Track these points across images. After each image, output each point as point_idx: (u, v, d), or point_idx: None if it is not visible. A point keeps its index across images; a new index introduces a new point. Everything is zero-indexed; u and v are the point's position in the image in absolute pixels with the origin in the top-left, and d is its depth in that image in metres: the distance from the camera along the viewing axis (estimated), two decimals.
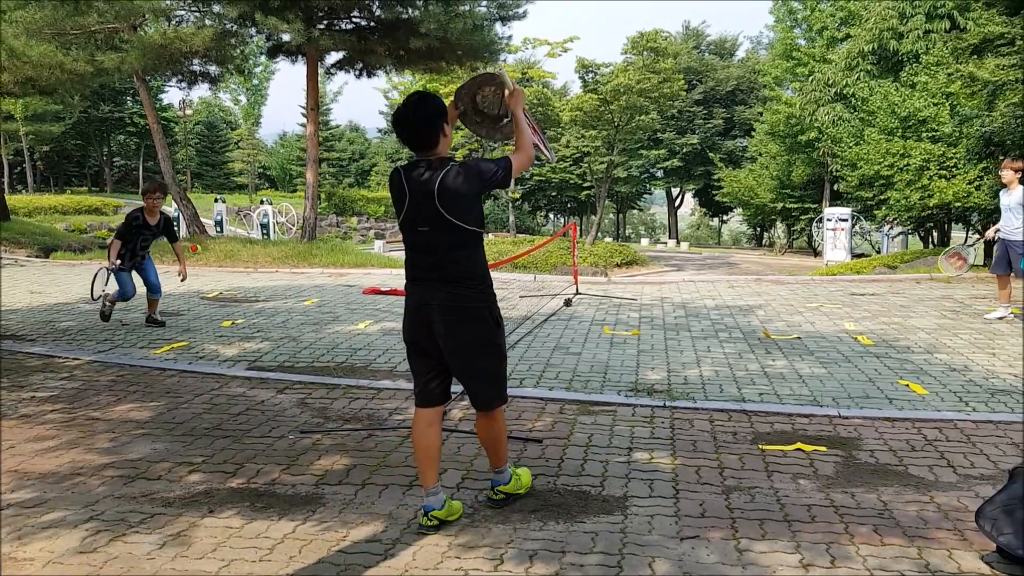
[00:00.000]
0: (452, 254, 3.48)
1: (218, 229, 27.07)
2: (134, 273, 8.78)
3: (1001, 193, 8.99)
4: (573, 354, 7.32)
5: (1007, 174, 8.79)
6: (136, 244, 8.65)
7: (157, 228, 8.69)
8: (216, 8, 17.63)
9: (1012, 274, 8.85)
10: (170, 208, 25.46)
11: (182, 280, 8.93)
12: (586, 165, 37.16)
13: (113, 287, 8.64)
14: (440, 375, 3.66)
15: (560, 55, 33.41)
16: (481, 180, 3.50)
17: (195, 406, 5.60)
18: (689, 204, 61.00)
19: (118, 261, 8.46)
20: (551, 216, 58.13)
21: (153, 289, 8.80)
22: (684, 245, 43.35)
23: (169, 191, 21.70)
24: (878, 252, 25.35)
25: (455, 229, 3.45)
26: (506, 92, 3.82)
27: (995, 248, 9.09)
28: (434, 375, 3.65)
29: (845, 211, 23.62)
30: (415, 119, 3.48)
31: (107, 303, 8.64)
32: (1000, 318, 8.85)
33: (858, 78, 23.86)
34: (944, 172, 16.97)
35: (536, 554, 3.33)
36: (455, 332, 3.51)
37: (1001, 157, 14.92)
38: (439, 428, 3.71)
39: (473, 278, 3.52)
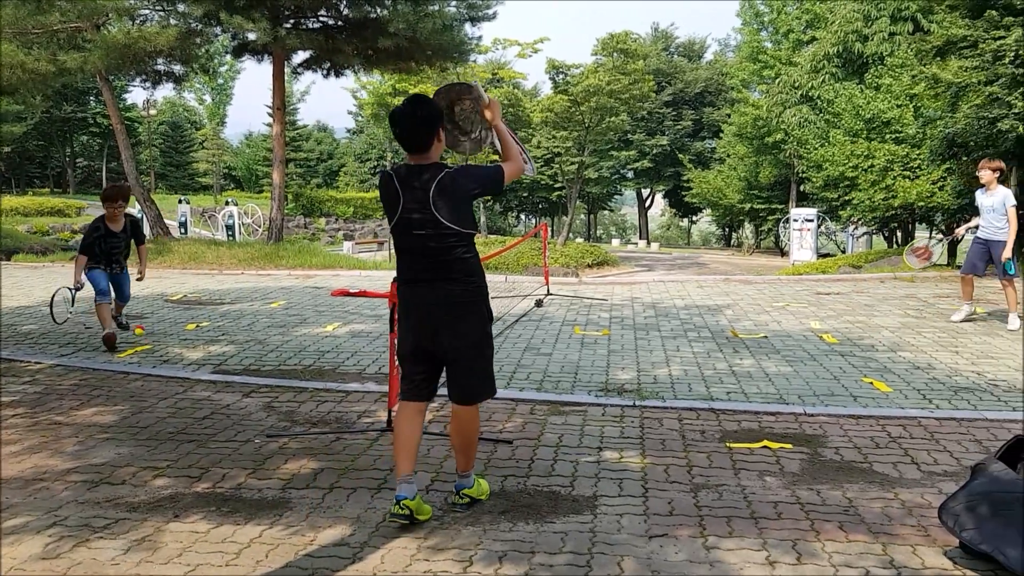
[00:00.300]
0: (449, 255, 3.59)
1: (182, 230, 26.74)
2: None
3: (979, 193, 8.84)
4: (544, 355, 7.32)
5: (985, 174, 8.63)
6: (109, 255, 7.96)
7: (125, 234, 8.08)
8: (181, 7, 17.41)
9: (985, 275, 8.74)
10: (134, 210, 25.10)
11: (138, 279, 8.40)
12: (557, 166, 37.24)
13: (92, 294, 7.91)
14: (433, 372, 3.78)
15: (531, 56, 33.48)
16: (473, 189, 3.65)
17: (159, 410, 5.52)
18: (659, 205, 61.41)
19: (83, 279, 7.81)
20: (523, 217, 58.19)
21: (123, 297, 8.29)
22: (654, 245, 43.61)
23: (132, 193, 21.42)
24: (843, 252, 25.68)
25: (451, 232, 3.55)
26: (483, 107, 3.89)
27: (969, 249, 8.92)
28: (428, 373, 3.76)
29: (811, 212, 23.91)
30: (412, 119, 3.57)
31: (107, 333, 7.66)
32: (966, 316, 8.81)
33: (823, 80, 24.18)
34: (908, 173, 17.24)
35: (505, 555, 3.32)
36: (456, 329, 3.63)
37: (964, 158, 15.18)
38: (422, 421, 3.82)
39: (470, 275, 3.65)
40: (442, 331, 3.63)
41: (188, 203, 29.36)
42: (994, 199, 8.57)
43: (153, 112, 46.47)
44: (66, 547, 3.40)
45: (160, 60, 18.60)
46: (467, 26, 19.08)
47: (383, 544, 3.43)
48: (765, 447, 4.68)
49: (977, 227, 8.87)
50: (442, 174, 3.54)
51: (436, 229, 3.54)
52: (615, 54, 26.93)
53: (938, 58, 14.58)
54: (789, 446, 4.69)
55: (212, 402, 5.74)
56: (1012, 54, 12.31)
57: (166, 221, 21.18)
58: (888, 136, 17.98)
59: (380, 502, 3.88)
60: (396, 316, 4.73)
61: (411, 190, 3.55)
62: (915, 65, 17.61)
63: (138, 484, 4.13)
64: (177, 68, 19.93)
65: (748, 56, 36.55)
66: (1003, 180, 8.68)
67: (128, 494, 4.00)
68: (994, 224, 8.57)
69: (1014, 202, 8.48)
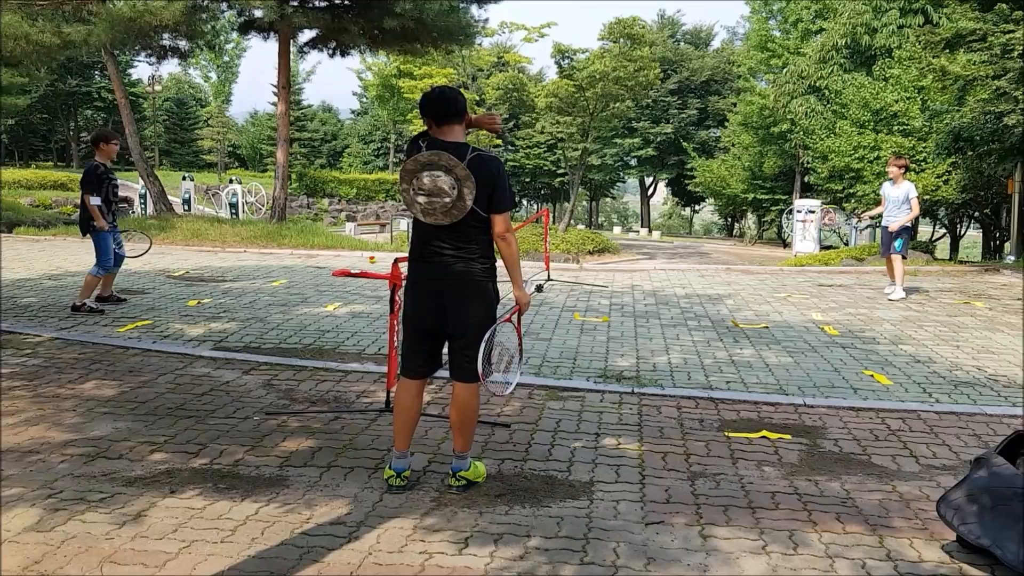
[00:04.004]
0: (466, 234, 3.65)
1: (186, 207, 26.69)
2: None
3: (887, 185, 10.16)
4: (543, 340, 7.31)
5: (893, 170, 10.00)
6: (109, 196, 8.20)
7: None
8: None
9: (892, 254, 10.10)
10: (137, 185, 25.08)
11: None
12: (560, 152, 37.06)
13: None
14: (436, 349, 3.85)
15: (537, 40, 33.08)
16: (492, 186, 3.62)
17: (159, 385, 5.52)
18: (662, 193, 61.19)
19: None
20: (524, 202, 58.04)
21: (119, 259, 8.47)
22: (656, 234, 43.50)
23: (136, 169, 21.38)
24: (846, 244, 25.61)
25: (471, 211, 3.60)
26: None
27: (881, 236, 10.47)
28: (430, 349, 3.83)
29: (815, 203, 23.80)
30: (445, 92, 3.75)
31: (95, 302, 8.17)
32: (901, 298, 9.86)
33: (831, 71, 24.01)
34: (913, 166, 17.16)
35: (501, 538, 3.32)
36: (465, 307, 3.68)
37: (970, 152, 15.11)
38: (422, 398, 3.93)
39: (485, 256, 3.72)
40: (451, 308, 3.68)
41: (192, 180, 29.31)
42: (899, 191, 9.92)
43: (158, 88, 46.31)
44: (60, 520, 3.39)
45: (165, 35, 18.47)
46: (473, 8, 18.97)
47: (379, 524, 3.43)
48: (764, 437, 4.67)
49: (881, 215, 10.29)
50: (474, 153, 3.61)
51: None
52: (621, 40, 26.72)
53: (947, 51, 14.48)
54: (788, 437, 4.68)
55: (212, 378, 5.73)
56: (1021, 48, 12.22)
57: (170, 198, 21.15)
58: (895, 128, 17.88)
59: (377, 481, 3.87)
60: (396, 297, 4.73)
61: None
62: (923, 58, 17.49)
63: (135, 459, 4.13)
64: (182, 44, 19.81)
65: (756, 45, 36.23)
66: (906, 172, 10.18)
67: (124, 468, 3.99)
68: (896, 212, 9.93)
69: (915, 195, 9.92)
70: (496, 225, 3.69)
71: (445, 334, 3.78)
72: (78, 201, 29.46)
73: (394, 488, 3.77)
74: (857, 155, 18.09)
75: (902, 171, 10.00)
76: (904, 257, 10.14)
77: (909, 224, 10.06)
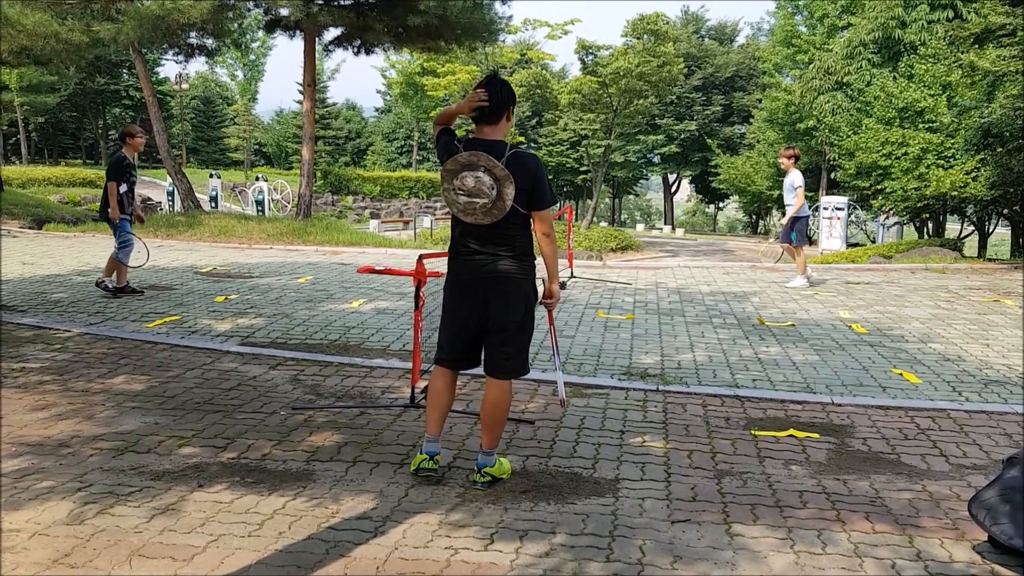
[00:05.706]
0: (506, 232, 3.69)
1: (213, 205, 26.94)
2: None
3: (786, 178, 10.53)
4: (567, 337, 7.30)
5: (783, 161, 10.44)
6: (129, 187, 8.69)
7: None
8: None
9: (790, 244, 10.60)
10: (165, 183, 25.34)
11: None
12: (583, 149, 37.00)
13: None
14: (473, 345, 3.87)
15: (560, 37, 32.99)
16: (531, 183, 3.65)
17: (187, 380, 5.57)
18: (685, 190, 60.87)
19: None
20: None
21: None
22: (679, 231, 43.26)
23: (164, 166, 21.63)
24: (873, 242, 25.33)
25: (511, 210, 3.63)
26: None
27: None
28: (467, 344, 3.87)
29: (842, 200, 23.55)
30: (492, 92, 3.69)
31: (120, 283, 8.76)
32: (803, 286, 10.45)
33: (860, 66, 23.73)
34: (942, 162, 16.90)
35: (526, 534, 3.32)
36: (505, 304, 3.72)
37: (999, 148, 14.87)
38: (455, 387, 4.05)
39: (525, 253, 3.76)
40: (491, 305, 3.72)
41: (219, 178, 29.56)
42: (787, 180, 10.39)
43: (185, 86, 46.76)
44: (90, 513, 3.44)
45: (193, 33, 18.65)
46: (497, 4, 19.04)
47: (405, 519, 3.44)
48: (791, 436, 4.63)
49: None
50: (512, 151, 3.64)
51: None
52: (645, 36, 26.58)
53: (976, 46, 14.25)
54: (816, 435, 4.64)
55: (239, 373, 5.78)
56: None
57: (197, 195, 21.34)
58: (921, 125, 17.62)
59: (403, 476, 3.89)
60: (420, 293, 4.75)
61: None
62: (949, 55, 17.24)
63: (164, 453, 4.17)
64: (210, 42, 19.99)
65: (782, 40, 35.86)
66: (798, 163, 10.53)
67: (153, 462, 4.04)
68: (790, 200, 10.41)
69: (800, 184, 10.21)
70: (538, 223, 3.75)
71: (484, 329, 3.80)
72: None
73: (425, 471, 3.80)
74: (884, 151, 17.83)
75: (791, 160, 10.34)
76: (797, 246, 10.55)
77: (799, 215, 10.36)
